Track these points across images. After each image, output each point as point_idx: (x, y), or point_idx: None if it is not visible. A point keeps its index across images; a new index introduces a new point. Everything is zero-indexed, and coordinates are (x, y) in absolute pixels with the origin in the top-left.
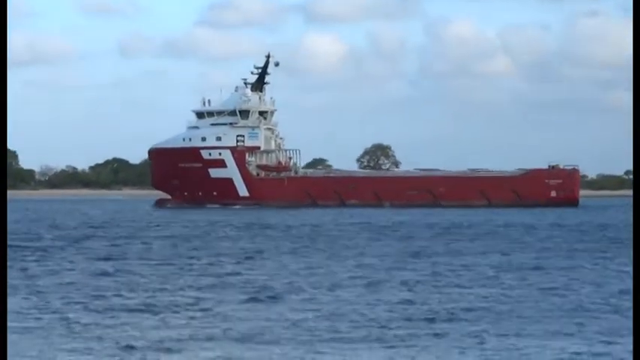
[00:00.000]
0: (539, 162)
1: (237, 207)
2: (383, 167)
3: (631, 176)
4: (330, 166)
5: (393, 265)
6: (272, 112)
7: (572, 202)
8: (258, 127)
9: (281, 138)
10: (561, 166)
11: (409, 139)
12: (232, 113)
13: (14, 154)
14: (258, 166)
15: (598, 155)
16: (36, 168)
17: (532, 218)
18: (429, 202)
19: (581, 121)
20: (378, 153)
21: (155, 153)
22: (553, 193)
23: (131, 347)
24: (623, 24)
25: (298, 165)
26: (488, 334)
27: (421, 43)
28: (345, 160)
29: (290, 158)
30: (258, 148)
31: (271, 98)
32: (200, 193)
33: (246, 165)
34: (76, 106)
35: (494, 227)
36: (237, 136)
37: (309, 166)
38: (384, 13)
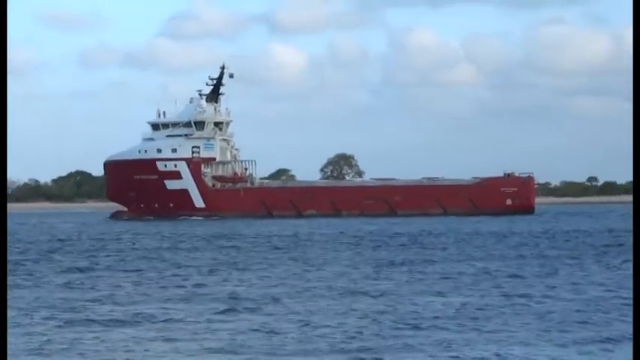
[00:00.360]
0: (503, 170)
1: (200, 218)
2: (346, 177)
3: (594, 183)
4: (293, 176)
5: (369, 274)
6: (227, 123)
7: (528, 209)
8: (213, 138)
9: (237, 149)
10: (517, 174)
11: (372, 148)
12: (187, 125)
13: None
14: (214, 177)
15: (561, 162)
16: None
17: (496, 226)
18: (386, 212)
19: (545, 128)
20: (341, 163)
21: (110, 165)
22: (509, 201)
23: None
24: (586, 32)
25: (255, 175)
26: (469, 341)
27: (384, 52)
28: (308, 171)
29: (246, 169)
30: (214, 159)
31: (226, 109)
32: (156, 205)
33: (202, 176)
34: (38, 117)
35: (465, 235)
36: (193, 147)
37: (272, 176)
38: (346, 23)
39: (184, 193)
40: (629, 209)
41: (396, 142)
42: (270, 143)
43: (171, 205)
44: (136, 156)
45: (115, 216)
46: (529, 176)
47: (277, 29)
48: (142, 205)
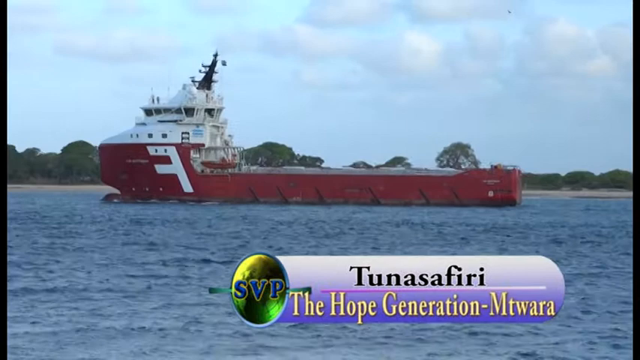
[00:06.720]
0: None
1: (208, 204)
2: (462, 166)
3: None
4: (409, 164)
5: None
6: (220, 110)
7: (510, 202)
8: (203, 124)
9: (229, 135)
10: (502, 166)
11: (493, 137)
12: (178, 111)
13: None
14: (203, 163)
15: None
16: None
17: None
18: (369, 200)
19: None
20: (457, 152)
21: (104, 148)
22: (490, 193)
23: None
24: None
25: (242, 162)
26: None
27: (519, 41)
28: (425, 160)
29: (235, 155)
30: (203, 145)
31: (219, 96)
32: (147, 189)
33: (191, 161)
34: None
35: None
36: (183, 133)
37: (388, 163)
38: (483, 12)
39: (173, 177)
40: None
41: (517, 131)
42: (393, 130)
43: (161, 189)
44: (129, 140)
45: (108, 198)
46: (513, 168)
47: (416, 19)
48: (133, 189)
